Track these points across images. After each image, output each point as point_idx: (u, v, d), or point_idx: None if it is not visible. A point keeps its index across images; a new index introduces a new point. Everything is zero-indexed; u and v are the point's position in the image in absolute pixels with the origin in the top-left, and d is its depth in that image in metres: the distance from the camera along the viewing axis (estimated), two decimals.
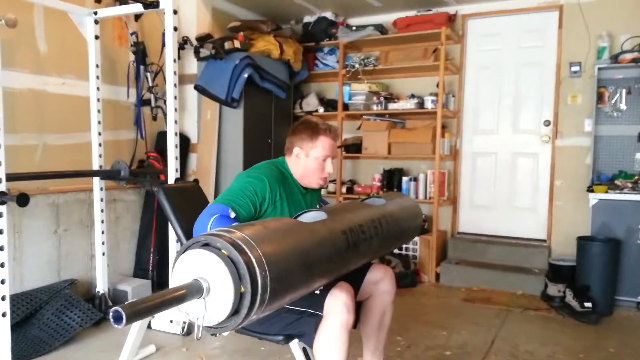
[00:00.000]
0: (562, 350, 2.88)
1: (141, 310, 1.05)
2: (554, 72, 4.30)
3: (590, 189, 3.83)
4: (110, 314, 1.01)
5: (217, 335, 2.71)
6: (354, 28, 4.76)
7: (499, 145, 4.62)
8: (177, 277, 1.23)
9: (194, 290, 1.16)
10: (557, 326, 3.29)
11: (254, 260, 1.17)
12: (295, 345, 1.91)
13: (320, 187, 2.17)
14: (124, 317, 1.00)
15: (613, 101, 3.99)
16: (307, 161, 2.04)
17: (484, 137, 4.68)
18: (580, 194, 4.12)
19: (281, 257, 1.27)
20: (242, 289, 1.17)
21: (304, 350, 1.93)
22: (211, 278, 1.18)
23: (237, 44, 4.13)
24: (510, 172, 4.58)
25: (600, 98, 4.01)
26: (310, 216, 1.65)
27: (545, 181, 4.41)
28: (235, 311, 1.19)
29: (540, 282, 3.93)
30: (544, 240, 4.41)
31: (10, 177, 2.25)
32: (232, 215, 1.78)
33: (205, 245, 1.22)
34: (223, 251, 1.18)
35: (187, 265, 1.22)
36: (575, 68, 4.17)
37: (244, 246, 1.19)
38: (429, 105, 4.49)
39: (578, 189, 4.18)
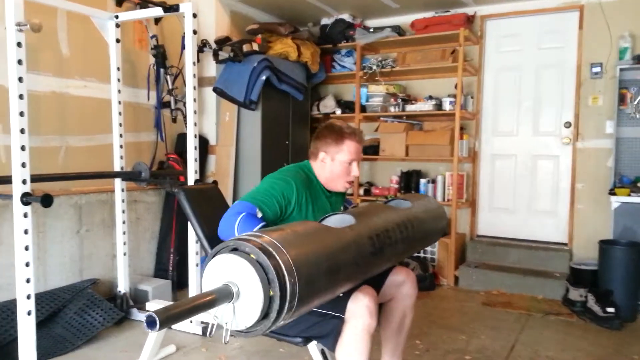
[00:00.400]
0: (583, 356, 2.83)
1: (174, 316, 1.06)
2: (575, 74, 4.25)
3: (612, 192, 3.77)
4: (144, 319, 1.02)
5: (236, 336, 2.72)
6: (371, 30, 4.76)
7: (519, 147, 4.57)
8: (207, 282, 1.24)
9: (223, 295, 1.17)
10: (579, 332, 3.24)
11: (282, 264, 1.18)
12: (313, 347, 1.92)
13: (345, 191, 2.16)
14: (157, 322, 1.01)
15: (635, 102, 3.93)
16: (333, 165, 2.03)
17: (504, 139, 4.63)
18: (602, 197, 4.06)
19: (309, 262, 1.28)
20: (271, 293, 1.17)
21: (322, 352, 1.93)
22: (240, 282, 1.19)
23: (255, 47, 4.15)
24: (530, 174, 4.53)
25: (622, 99, 3.95)
26: (337, 220, 1.64)
27: (566, 184, 4.35)
28: (264, 316, 1.19)
29: (561, 286, 3.88)
30: (565, 244, 4.34)
31: (34, 178, 2.30)
32: (259, 215, 1.79)
33: (234, 250, 1.23)
34: (252, 255, 1.19)
35: (216, 269, 1.24)
36: (596, 69, 4.11)
37: (272, 250, 1.20)
38: (447, 106, 4.46)
39: (599, 191, 4.12)
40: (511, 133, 4.60)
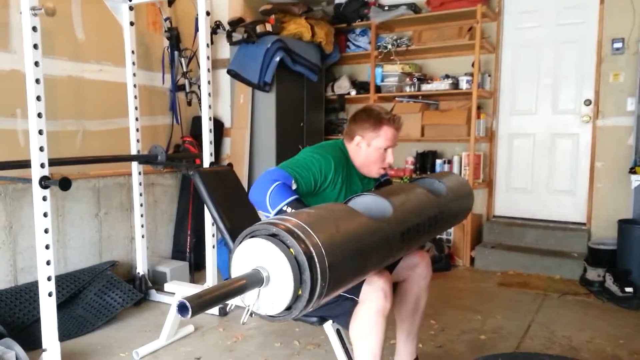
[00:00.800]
0: (601, 336, 2.82)
1: (206, 302, 1.05)
2: (595, 50, 4.14)
3: (632, 171, 3.70)
4: (177, 304, 1.02)
5: (253, 316, 2.76)
6: (386, 8, 4.69)
7: (537, 126, 4.49)
8: (238, 261, 1.22)
9: (254, 281, 1.15)
10: (596, 311, 3.22)
11: (319, 270, 1.16)
12: (329, 326, 1.94)
13: (378, 177, 2.12)
14: (190, 309, 1.01)
15: None
16: (369, 151, 1.99)
17: (522, 117, 4.56)
18: (622, 175, 3.99)
19: (341, 263, 1.25)
20: (300, 292, 1.17)
21: (338, 332, 1.95)
22: (272, 271, 1.17)
23: (268, 27, 4.12)
24: (549, 153, 4.46)
25: None
26: (373, 203, 1.59)
27: (585, 163, 4.27)
28: (287, 308, 1.19)
29: (579, 266, 3.85)
30: (584, 224, 4.29)
31: (52, 162, 2.33)
32: (294, 186, 1.76)
33: (274, 235, 1.19)
34: (291, 250, 1.16)
35: (250, 250, 1.21)
36: (617, 45, 4.00)
37: (313, 253, 1.16)
38: (463, 85, 4.40)
39: (620, 170, 4.04)
40: (529, 111, 4.52)
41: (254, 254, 1.20)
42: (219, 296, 1.09)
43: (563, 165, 4.40)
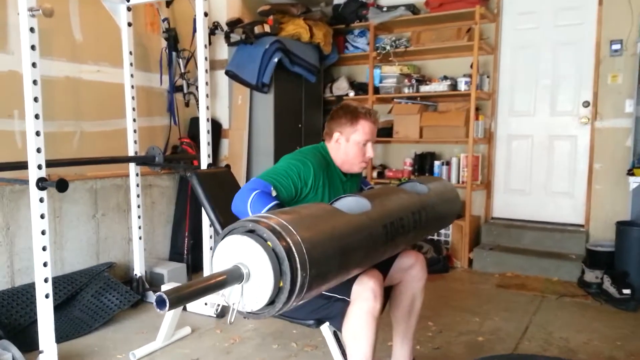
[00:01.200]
0: (598, 338, 2.81)
1: (184, 296, 1.07)
2: (594, 51, 4.14)
3: (630, 172, 3.70)
4: (154, 298, 1.03)
5: (246, 318, 2.76)
6: (384, 9, 4.68)
7: (536, 127, 4.49)
8: (219, 259, 1.24)
9: (234, 277, 1.17)
10: (594, 313, 3.22)
11: (297, 257, 1.17)
12: (326, 328, 1.93)
13: (361, 171, 2.15)
14: (167, 302, 1.02)
15: None
16: (348, 146, 2.01)
17: (520, 119, 4.56)
18: (620, 177, 3.99)
19: (323, 255, 1.27)
20: (281, 284, 1.17)
21: (335, 334, 1.95)
22: (252, 266, 1.19)
23: (267, 28, 4.12)
24: (547, 155, 4.46)
25: None
26: (352, 202, 1.61)
27: (583, 164, 4.27)
28: (270, 302, 1.20)
29: (576, 268, 3.84)
30: (582, 225, 4.29)
31: (49, 164, 2.33)
32: (274, 193, 1.78)
33: (251, 231, 1.21)
34: (269, 243, 1.18)
35: (229, 248, 1.23)
36: (616, 46, 4.00)
37: (289, 241, 1.18)
38: (462, 86, 4.40)
39: (618, 172, 4.04)
40: (528, 113, 4.52)
41: (234, 251, 1.22)
42: (197, 290, 1.10)
43: (561, 166, 4.40)
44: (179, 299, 1.05)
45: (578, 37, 4.24)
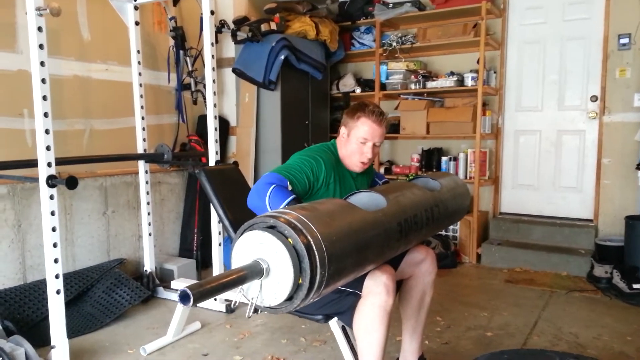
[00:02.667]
0: (608, 333, 2.81)
1: (207, 291, 1.08)
2: (601, 45, 4.12)
3: (639, 167, 3.68)
4: (178, 294, 1.04)
5: (259, 313, 2.78)
6: (390, 5, 4.68)
7: (543, 122, 4.47)
8: (238, 254, 1.25)
9: (254, 272, 1.17)
10: (604, 308, 3.21)
11: (317, 255, 1.18)
12: (334, 323, 1.94)
13: (360, 172, 2.10)
14: (191, 297, 1.03)
15: None
16: (349, 141, 2.01)
17: (528, 114, 4.54)
18: (629, 171, 3.97)
19: (342, 253, 1.27)
20: (300, 281, 1.18)
21: (343, 329, 1.96)
22: (272, 262, 1.19)
23: (273, 26, 4.13)
24: (555, 150, 4.44)
25: None
26: (367, 198, 1.61)
27: (592, 159, 4.25)
28: (288, 298, 1.21)
29: (586, 263, 3.83)
30: (591, 220, 4.27)
31: (59, 161, 2.35)
32: (290, 188, 1.78)
33: (271, 227, 1.22)
34: (290, 240, 1.18)
35: (249, 243, 1.23)
36: (624, 40, 3.98)
37: (312, 242, 1.18)
38: (469, 82, 4.39)
39: (627, 166, 4.02)
40: (535, 108, 4.50)
41: (253, 246, 1.22)
42: (219, 286, 1.11)
43: (569, 161, 4.38)
44: (202, 294, 1.06)
45: (585, 31, 4.22)
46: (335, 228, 1.30)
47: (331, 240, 1.24)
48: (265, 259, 1.20)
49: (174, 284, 3.39)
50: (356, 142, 2.00)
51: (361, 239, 1.38)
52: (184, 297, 1.03)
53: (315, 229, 1.21)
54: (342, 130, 2.04)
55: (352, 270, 1.36)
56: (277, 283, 1.19)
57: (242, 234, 1.25)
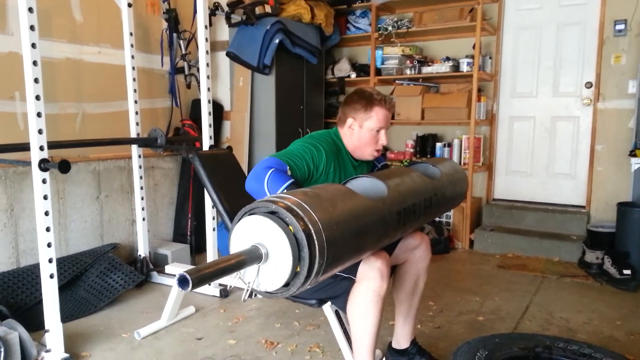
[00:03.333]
0: (598, 317, 2.84)
1: (206, 276, 1.07)
2: (597, 32, 4.11)
3: (632, 154, 3.70)
4: (177, 278, 1.04)
5: (253, 297, 2.79)
6: None
7: (538, 108, 4.48)
8: (237, 238, 1.24)
9: (253, 257, 1.17)
10: (595, 293, 3.24)
11: (317, 247, 1.17)
12: (328, 308, 1.96)
13: (373, 159, 2.11)
14: (190, 282, 1.02)
15: None
16: (361, 132, 1.99)
17: (522, 100, 4.54)
18: (622, 158, 3.99)
19: (341, 242, 1.27)
20: (298, 269, 1.18)
21: (337, 313, 1.97)
22: (271, 248, 1.18)
23: (267, 9, 4.09)
24: (549, 136, 4.45)
25: None
26: (368, 184, 1.60)
27: (585, 146, 4.27)
28: (285, 284, 1.21)
29: (577, 248, 3.87)
30: (583, 207, 4.30)
31: (52, 145, 2.33)
32: (289, 173, 1.77)
33: (272, 213, 1.20)
34: (290, 227, 1.17)
35: (248, 227, 1.22)
36: (620, 26, 3.96)
37: (312, 231, 1.18)
38: (464, 68, 4.37)
39: (620, 153, 4.04)
40: (530, 94, 4.50)
41: (253, 231, 1.21)
42: (218, 270, 1.11)
43: (563, 148, 4.39)
44: (200, 278, 1.06)
45: (581, 17, 4.20)
46: (336, 216, 1.29)
47: (331, 229, 1.23)
48: (265, 245, 1.19)
49: (168, 268, 3.39)
50: (370, 133, 1.98)
51: (360, 228, 1.38)
52: (182, 282, 1.03)
53: (316, 216, 1.21)
54: (350, 121, 2.00)
55: (349, 257, 1.36)
56: (274, 269, 1.19)
57: (241, 218, 1.24)
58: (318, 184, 1.89)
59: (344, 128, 2.03)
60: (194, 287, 1.03)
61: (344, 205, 1.36)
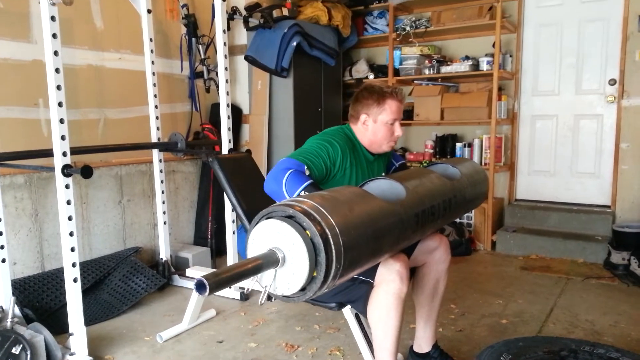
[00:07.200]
0: (625, 320, 2.77)
1: (223, 280, 1.08)
2: (621, 27, 4.02)
3: None
4: (195, 283, 1.04)
5: (272, 300, 2.79)
6: None
7: (560, 107, 4.40)
8: (254, 242, 1.24)
9: (270, 262, 1.17)
10: (621, 295, 3.17)
11: (334, 252, 1.17)
12: (348, 311, 1.95)
13: (390, 150, 2.13)
14: (207, 286, 1.03)
15: None
16: (376, 127, 2.00)
17: (544, 98, 4.47)
18: None
19: (357, 246, 1.26)
20: (315, 274, 1.18)
21: (357, 316, 1.96)
22: (288, 252, 1.18)
23: (285, 12, 4.10)
24: (572, 135, 4.37)
25: None
26: (386, 186, 1.60)
27: (610, 144, 4.18)
28: (302, 289, 1.20)
29: (603, 249, 3.78)
30: (608, 206, 4.21)
31: (74, 151, 2.37)
32: (307, 173, 1.77)
33: (290, 217, 1.20)
34: (307, 232, 1.17)
35: (265, 231, 1.22)
36: None
37: (329, 237, 1.17)
38: (484, 66, 4.32)
39: None
40: (552, 92, 4.43)
41: (270, 235, 1.21)
42: (235, 275, 1.11)
43: (587, 146, 4.31)
44: (218, 283, 1.06)
45: (604, 12, 4.11)
46: (353, 219, 1.28)
47: (349, 233, 1.22)
48: (281, 249, 1.19)
49: (189, 271, 3.43)
50: (385, 126, 2.00)
51: (378, 231, 1.36)
52: (200, 287, 1.04)
53: (333, 220, 1.20)
54: (364, 117, 2.01)
55: (366, 261, 1.35)
56: (291, 274, 1.19)
57: (258, 222, 1.24)
58: (336, 179, 1.91)
59: (358, 125, 2.04)
60: (211, 292, 1.04)
61: (361, 208, 1.35)
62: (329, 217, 1.20)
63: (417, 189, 1.65)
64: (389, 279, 1.69)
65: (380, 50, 5.06)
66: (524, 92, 4.55)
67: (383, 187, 1.61)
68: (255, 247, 1.24)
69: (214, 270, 1.12)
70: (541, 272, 3.65)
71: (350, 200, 1.36)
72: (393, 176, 1.70)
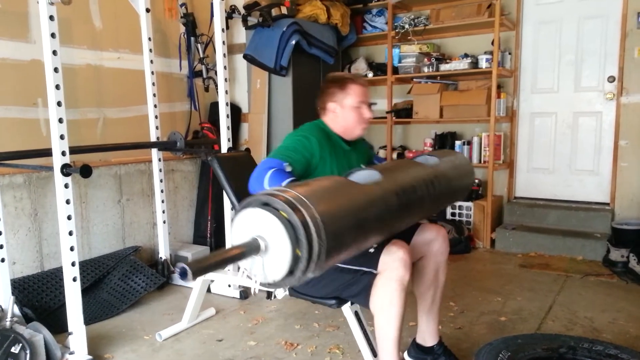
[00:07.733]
0: (624, 317, 2.78)
1: (205, 267, 1.12)
2: (619, 24, 4.02)
3: None
4: (177, 270, 1.08)
5: (272, 299, 2.80)
6: None
7: (559, 104, 4.40)
8: (237, 232, 1.27)
9: (252, 249, 1.20)
10: (620, 292, 3.17)
11: (311, 224, 1.19)
12: (347, 309, 1.95)
13: (363, 133, 2.17)
14: (189, 272, 1.06)
15: None
16: (345, 112, 2.06)
17: (543, 96, 4.47)
18: None
19: (337, 220, 1.28)
20: (299, 253, 1.19)
21: (356, 314, 1.97)
22: (269, 238, 1.21)
23: (284, 10, 4.09)
24: (571, 132, 4.37)
25: None
26: (364, 175, 1.63)
27: (609, 141, 4.18)
28: (290, 272, 1.22)
29: (602, 247, 3.79)
30: (607, 204, 4.21)
31: (73, 150, 2.37)
32: (289, 169, 1.81)
33: (265, 204, 1.24)
34: (282, 213, 1.20)
35: (246, 221, 1.25)
36: None
37: (302, 209, 1.20)
38: (483, 64, 4.31)
39: None
40: (551, 90, 4.43)
41: (251, 224, 1.24)
42: (217, 262, 1.15)
43: (586, 144, 4.31)
44: (200, 269, 1.10)
45: (603, 9, 4.11)
46: (327, 194, 1.33)
47: (328, 211, 1.25)
48: (263, 236, 1.22)
49: None
50: (353, 110, 2.05)
51: (357, 208, 1.39)
52: (182, 273, 1.07)
53: (309, 201, 1.23)
54: (331, 106, 2.07)
55: (354, 240, 1.37)
56: (276, 258, 1.22)
57: (238, 213, 1.28)
58: (317, 171, 1.96)
59: (328, 114, 2.11)
60: (194, 277, 1.07)
61: (336, 188, 1.41)
62: (304, 198, 1.23)
63: (393, 170, 1.71)
64: (392, 266, 1.72)
65: (379, 48, 5.06)
66: (523, 89, 4.55)
67: (360, 174, 1.65)
68: (239, 237, 1.27)
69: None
70: (540, 269, 3.65)
71: (326, 183, 1.42)
72: (370, 167, 1.75)
